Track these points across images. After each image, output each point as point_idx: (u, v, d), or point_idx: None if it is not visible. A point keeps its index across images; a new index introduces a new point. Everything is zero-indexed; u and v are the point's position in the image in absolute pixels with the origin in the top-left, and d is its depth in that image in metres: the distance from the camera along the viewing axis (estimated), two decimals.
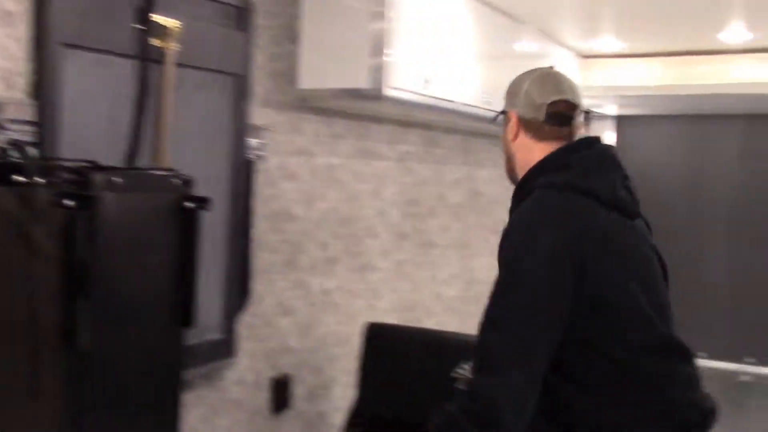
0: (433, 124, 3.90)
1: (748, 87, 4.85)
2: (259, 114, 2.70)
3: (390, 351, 2.82)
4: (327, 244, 3.16)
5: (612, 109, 6.37)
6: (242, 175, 2.58)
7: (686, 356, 1.66)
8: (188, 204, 2.01)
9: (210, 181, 2.37)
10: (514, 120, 1.79)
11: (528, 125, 1.77)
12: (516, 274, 1.56)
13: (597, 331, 1.57)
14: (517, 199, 1.77)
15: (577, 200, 1.62)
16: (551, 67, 1.86)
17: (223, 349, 2.52)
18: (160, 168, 2.18)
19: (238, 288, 2.57)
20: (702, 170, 6.33)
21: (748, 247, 6.07)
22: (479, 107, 3.52)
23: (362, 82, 2.77)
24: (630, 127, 6.55)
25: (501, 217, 5.29)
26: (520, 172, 1.79)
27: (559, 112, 1.75)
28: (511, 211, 1.78)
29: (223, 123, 2.51)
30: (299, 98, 2.89)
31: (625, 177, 1.74)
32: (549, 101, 1.75)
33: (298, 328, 3.01)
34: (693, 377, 1.67)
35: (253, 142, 2.65)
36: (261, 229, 2.78)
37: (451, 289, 4.27)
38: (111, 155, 2.07)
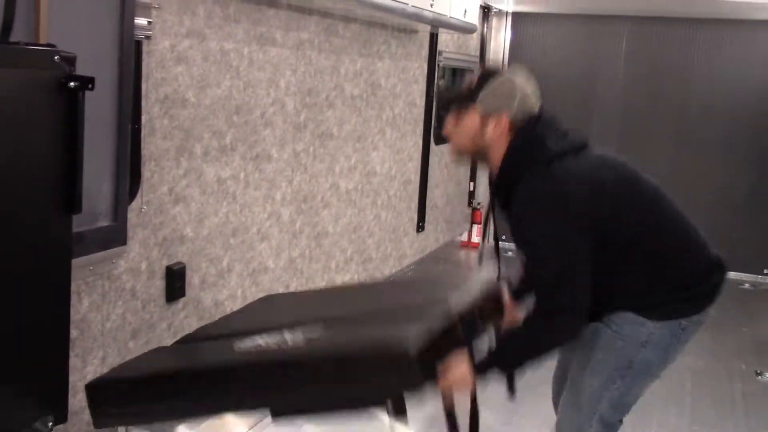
0: (331, 12, 3.80)
1: None
2: None
3: None
4: (221, 132, 3.08)
5: (509, 5, 6.40)
6: (129, 55, 2.44)
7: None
8: (71, 83, 1.91)
9: (94, 60, 2.23)
10: (505, 123, 2.00)
11: (514, 125, 2.01)
12: (555, 231, 1.92)
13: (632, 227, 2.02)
14: (510, 181, 2.01)
15: (564, 166, 1.97)
16: (512, 70, 2.09)
17: (114, 236, 2.44)
18: (38, 43, 2.03)
19: (128, 174, 2.48)
20: (592, 69, 6.51)
21: (637, 142, 6.36)
22: None
23: None
24: (526, 25, 6.61)
25: (398, 111, 5.34)
26: (496, 160, 2.03)
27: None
28: (504, 192, 2.03)
29: None
30: None
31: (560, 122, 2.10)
32: (536, 109, 2.04)
33: (192, 217, 2.96)
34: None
35: (140, 21, 2.50)
36: (152, 114, 2.68)
37: (349, 181, 4.29)
38: None
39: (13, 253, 1.85)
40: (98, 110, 2.26)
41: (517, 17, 6.62)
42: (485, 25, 6.41)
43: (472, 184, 6.67)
